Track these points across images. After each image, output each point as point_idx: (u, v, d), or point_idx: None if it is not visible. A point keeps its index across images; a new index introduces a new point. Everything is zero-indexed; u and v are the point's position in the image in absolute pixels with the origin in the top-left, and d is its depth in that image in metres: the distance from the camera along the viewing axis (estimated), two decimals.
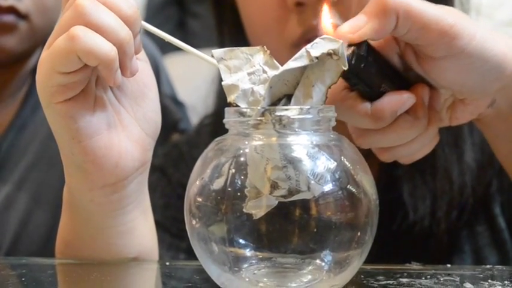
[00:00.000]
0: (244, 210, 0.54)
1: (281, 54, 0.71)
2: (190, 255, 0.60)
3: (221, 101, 0.96)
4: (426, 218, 0.85)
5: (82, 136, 0.65)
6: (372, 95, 0.64)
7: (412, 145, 0.67)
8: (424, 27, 0.60)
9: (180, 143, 1.03)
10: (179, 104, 1.25)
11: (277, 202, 0.54)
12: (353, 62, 0.60)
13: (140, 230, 0.72)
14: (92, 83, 0.66)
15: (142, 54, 0.70)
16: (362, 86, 0.63)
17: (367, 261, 0.58)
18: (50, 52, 0.62)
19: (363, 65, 0.61)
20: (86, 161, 0.66)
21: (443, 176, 0.86)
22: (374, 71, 0.63)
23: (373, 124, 0.64)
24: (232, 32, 0.94)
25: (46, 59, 0.63)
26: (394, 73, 0.65)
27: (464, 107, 0.67)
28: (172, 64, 1.46)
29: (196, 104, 1.39)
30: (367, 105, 0.64)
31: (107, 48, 0.61)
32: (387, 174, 0.87)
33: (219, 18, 0.96)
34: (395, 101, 0.63)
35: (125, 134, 0.68)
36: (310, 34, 0.81)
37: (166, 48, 1.89)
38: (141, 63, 0.69)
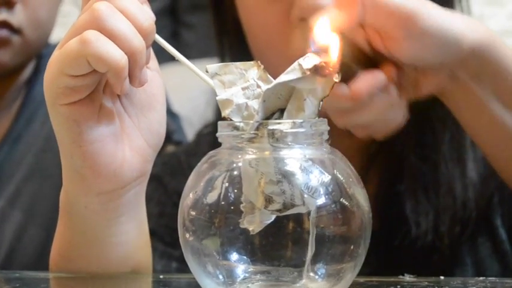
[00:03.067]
0: (240, 225, 0.54)
1: (285, 69, 0.72)
2: (183, 264, 0.60)
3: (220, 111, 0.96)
4: (429, 234, 0.86)
5: (83, 141, 0.65)
6: (346, 77, 0.67)
7: (387, 120, 0.74)
8: (389, 15, 0.68)
9: (178, 153, 1.02)
10: (173, 115, 1.25)
11: (273, 217, 0.54)
12: None
13: (134, 244, 0.72)
14: (99, 90, 0.65)
15: (155, 64, 0.70)
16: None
17: (369, 275, 0.58)
18: (60, 53, 0.62)
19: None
20: (84, 167, 0.66)
21: (447, 191, 0.86)
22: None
23: (352, 104, 0.70)
24: (233, 44, 0.93)
25: (56, 60, 0.63)
26: (364, 55, 0.72)
27: (427, 80, 0.73)
28: (166, 75, 1.46)
29: (191, 115, 1.39)
30: (344, 87, 0.69)
31: (118, 56, 0.61)
32: (388, 190, 0.87)
33: (220, 29, 0.95)
34: (371, 80, 0.70)
35: (127, 143, 0.68)
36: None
37: (161, 58, 1.89)
38: (152, 73, 0.69)
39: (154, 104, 0.70)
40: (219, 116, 0.97)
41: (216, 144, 0.59)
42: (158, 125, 0.70)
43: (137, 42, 0.62)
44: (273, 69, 0.61)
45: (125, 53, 0.61)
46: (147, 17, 0.63)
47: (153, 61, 0.70)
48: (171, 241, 0.92)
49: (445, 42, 0.70)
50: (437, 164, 0.85)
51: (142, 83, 0.64)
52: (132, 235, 0.72)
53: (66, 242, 0.73)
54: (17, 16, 1.05)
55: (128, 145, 0.68)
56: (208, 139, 0.97)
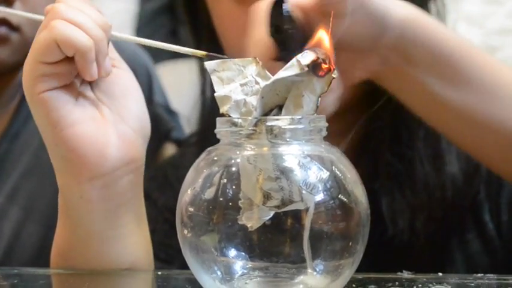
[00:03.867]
0: (239, 222, 0.54)
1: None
2: None
3: (204, 120, 0.97)
4: (406, 231, 0.86)
5: (63, 124, 0.67)
6: None
7: (327, 104, 0.73)
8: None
9: (164, 166, 1.02)
10: (172, 113, 1.25)
11: (272, 214, 0.54)
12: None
13: (133, 238, 0.72)
14: (76, 83, 0.69)
15: (123, 63, 0.73)
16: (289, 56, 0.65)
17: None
18: (32, 46, 0.67)
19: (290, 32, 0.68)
20: (69, 150, 0.67)
21: (423, 188, 0.86)
22: (299, 40, 0.66)
23: None
24: (208, 38, 0.95)
25: (30, 54, 0.67)
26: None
27: (359, 65, 0.75)
28: (165, 73, 1.46)
29: (190, 113, 1.39)
30: None
31: (84, 38, 0.65)
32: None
33: (196, 37, 0.98)
34: None
35: (110, 126, 0.69)
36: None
37: (159, 57, 1.89)
38: (120, 71, 0.72)
39: (129, 93, 0.72)
40: (203, 125, 0.97)
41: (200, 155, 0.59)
42: (137, 109, 0.72)
43: (98, 31, 0.66)
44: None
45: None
46: (100, 16, 0.68)
47: (121, 61, 0.73)
48: (166, 258, 0.91)
49: (374, 19, 0.71)
50: (413, 161, 0.85)
51: (108, 72, 0.68)
52: (130, 229, 0.72)
53: (66, 242, 0.73)
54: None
55: (111, 129, 0.69)
56: (193, 150, 0.97)
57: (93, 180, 0.68)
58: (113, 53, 0.72)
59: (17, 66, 1.11)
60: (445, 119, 0.78)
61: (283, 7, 0.67)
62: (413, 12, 0.74)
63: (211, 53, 0.66)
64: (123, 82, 0.72)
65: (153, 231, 0.93)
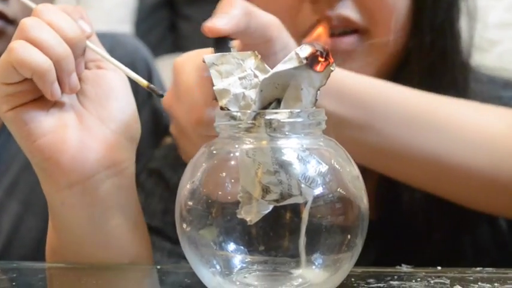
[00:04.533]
0: (238, 216, 0.54)
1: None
2: None
3: None
4: (424, 224, 0.86)
5: (34, 135, 0.67)
6: None
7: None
8: (262, 26, 0.66)
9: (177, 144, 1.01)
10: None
11: (271, 207, 0.54)
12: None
13: (127, 238, 0.72)
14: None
15: (108, 65, 0.72)
16: None
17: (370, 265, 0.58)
18: None
19: None
20: (43, 159, 0.68)
21: None
22: None
23: None
24: None
25: None
26: None
27: None
28: (165, 67, 1.46)
29: None
30: None
31: (40, 60, 0.65)
32: (387, 182, 0.87)
33: None
34: None
35: (87, 132, 0.69)
36: (323, 24, 0.82)
37: (159, 51, 1.89)
38: (105, 72, 0.72)
39: (113, 95, 0.71)
40: None
41: None
42: (120, 112, 0.71)
43: (61, 49, 0.66)
44: None
45: (50, 59, 0.65)
46: (74, 28, 0.67)
47: (106, 62, 0.72)
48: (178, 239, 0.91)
49: None
50: None
51: (73, 89, 0.68)
52: (121, 230, 0.71)
53: (56, 241, 0.73)
54: (12, 7, 1.05)
55: (88, 134, 0.69)
56: None
57: (72, 187, 0.68)
58: (98, 53, 0.71)
59: None
60: (369, 159, 0.77)
61: (228, 45, 0.64)
62: (339, 74, 0.72)
63: (152, 85, 0.68)
64: (107, 83, 0.71)
65: (165, 212, 0.93)
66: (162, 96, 0.69)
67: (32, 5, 0.74)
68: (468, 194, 0.78)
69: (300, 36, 0.82)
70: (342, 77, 0.73)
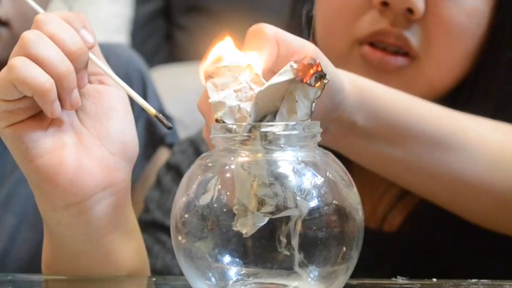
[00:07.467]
0: (233, 228, 0.54)
1: (339, 54, 0.77)
2: None
3: None
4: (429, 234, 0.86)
5: (31, 155, 0.66)
6: None
7: None
8: (294, 53, 0.63)
9: (196, 139, 1.00)
10: (166, 117, 1.25)
11: (266, 220, 0.54)
12: None
13: (123, 252, 0.71)
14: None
15: (110, 80, 0.71)
16: None
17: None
18: None
19: None
20: (40, 180, 0.66)
21: None
22: None
23: None
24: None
25: None
26: None
27: None
28: (159, 77, 1.46)
29: (184, 117, 1.39)
30: None
31: (42, 80, 0.63)
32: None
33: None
34: None
35: (85, 153, 0.68)
36: (377, 37, 0.82)
37: (155, 61, 1.89)
38: (107, 88, 0.70)
39: (113, 114, 0.70)
40: None
41: None
42: (119, 132, 0.70)
43: (63, 67, 0.64)
44: (328, 52, 0.64)
45: (52, 77, 0.64)
46: (76, 40, 0.65)
47: (108, 78, 0.71)
48: None
49: (334, 88, 0.67)
50: None
51: (74, 106, 0.67)
52: (118, 244, 0.70)
53: (51, 257, 0.73)
54: (3, 8, 1.04)
55: (86, 154, 0.68)
56: None
57: (69, 208, 0.67)
58: (101, 67, 0.69)
59: (7, 62, 1.10)
60: (393, 175, 0.78)
61: None
62: (358, 81, 0.72)
63: (160, 115, 0.67)
64: (108, 101, 0.70)
65: None
66: (170, 128, 0.68)
67: (40, 9, 0.72)
68: (487, 213, 0.79)
69: (352, 41, 0.83)
70: (378, 92, 0.73)
